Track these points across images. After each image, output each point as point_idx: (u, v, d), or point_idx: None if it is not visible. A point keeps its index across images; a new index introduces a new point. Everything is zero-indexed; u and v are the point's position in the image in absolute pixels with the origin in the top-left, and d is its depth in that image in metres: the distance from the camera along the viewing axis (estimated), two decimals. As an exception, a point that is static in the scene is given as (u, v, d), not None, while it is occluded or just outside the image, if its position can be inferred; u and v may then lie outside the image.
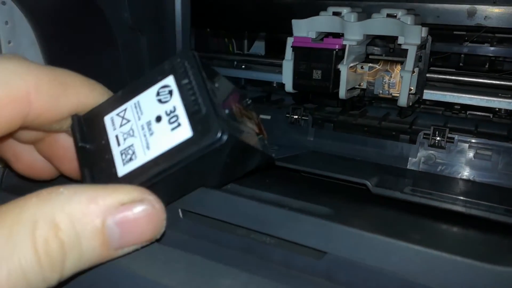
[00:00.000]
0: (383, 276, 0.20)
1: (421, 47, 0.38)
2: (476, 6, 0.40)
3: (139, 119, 0.21)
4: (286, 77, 0.40)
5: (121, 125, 0.22)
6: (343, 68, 0.37)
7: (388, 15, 0.37)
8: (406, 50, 0.36)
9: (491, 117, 0.40)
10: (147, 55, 0.42)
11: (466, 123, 0.40)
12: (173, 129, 0.20)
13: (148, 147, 0.20)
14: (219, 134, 0.19)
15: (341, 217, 0.22)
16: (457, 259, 0.19)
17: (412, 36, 0.35)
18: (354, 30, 0.38)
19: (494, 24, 0.40)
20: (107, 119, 0.22)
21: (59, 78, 0.22)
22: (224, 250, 0.22)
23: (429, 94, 0.41)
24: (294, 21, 0.39)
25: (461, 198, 0.28)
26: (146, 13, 0.40)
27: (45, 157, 0.27)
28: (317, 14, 0.40)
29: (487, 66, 0.45)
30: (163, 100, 0.21)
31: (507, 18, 0.39)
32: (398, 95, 0.38)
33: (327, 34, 0.40)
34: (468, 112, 0.41)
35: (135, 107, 0.22)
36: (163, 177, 0.20)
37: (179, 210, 0.24)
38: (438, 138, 0.35)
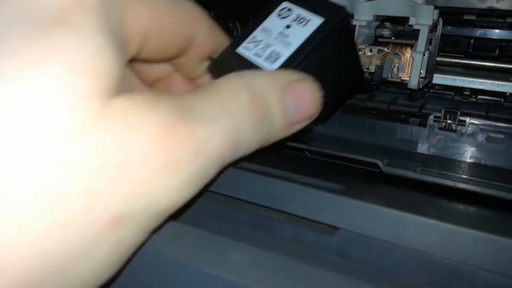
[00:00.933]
0: (398, 252, 0.20)
1: (432, 29, 0.37)
2: (489, -12, 0.39)
3: (271, 35, 0.24)
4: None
5: (256, 46, 0.24)
6: (352, 50, 0.36)
7: (399, -4, 0.37)
8: (417, 32, 0.36)
9: (502, 101, 0.39)
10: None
11: (477, 107, 0.39)
12: (304, 25, 0.23)
13: (288, 45, 0.23)
14: (344, 11, 0.23)
15: (354, 193, 0.22)
16: (477, 233, 0.18)
17: (424, 16, 0.35)
18: (364, 10, 0.37)
19: (507, 6, 0.39)
20: (240, 49, 0.25)
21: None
22: (232, 226, 0.22)
23: (439, 78, 0.40)
24: (302, 1, 0.38)
25: (475, 179, 0.27)
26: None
27: None
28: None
29: (497, 52, 0.44)
30: (285, 15, 0.24)
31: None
32: (407, 79, 0.37)
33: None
34: (478, 96, 0.40)
35: (262, 30, 0.25)
36: (309, 60, 0.23)
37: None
38: (449, 121, 0.34)
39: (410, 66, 0.37)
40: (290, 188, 0.21)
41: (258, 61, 0.24)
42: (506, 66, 0.40)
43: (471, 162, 0.33)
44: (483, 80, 0.39)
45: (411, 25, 0.36)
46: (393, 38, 0.39)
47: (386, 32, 0.39)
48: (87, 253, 0.14)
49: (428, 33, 0.36)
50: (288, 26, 0.24)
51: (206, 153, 0.17)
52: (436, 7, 0.38)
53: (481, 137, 0.34)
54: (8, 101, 0.13)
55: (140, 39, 0.19)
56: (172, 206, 0.17)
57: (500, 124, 0.33)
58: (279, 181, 0.22)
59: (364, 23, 0.36)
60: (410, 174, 0.26)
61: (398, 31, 0.39)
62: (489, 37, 0.42)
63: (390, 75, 0.39)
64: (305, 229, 0.21)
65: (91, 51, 0.14)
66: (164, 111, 0.16)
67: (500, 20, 0.43)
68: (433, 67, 0.39)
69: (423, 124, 0.35)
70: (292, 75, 0.22)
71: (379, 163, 0.27)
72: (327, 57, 0.24)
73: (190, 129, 0.16)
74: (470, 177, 0.27)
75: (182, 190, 0.16)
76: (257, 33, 0.25)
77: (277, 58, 0.23)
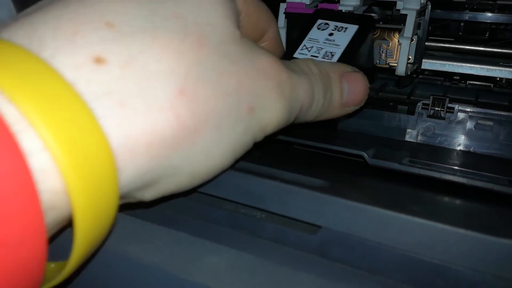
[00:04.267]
0: (381, 250, 0.19)
1: (420, 13, 0.36)
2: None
3: (318, 42, 0.30)
4: (279, 45, 0.38)
5: (309, 51, 0.30)
6: (339, 36, 0.35)
7: (386, -21, 0.35)
8: (405, 16, 0.34)
9: (492, 86, 0.38)
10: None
11: (466, 93, 0.39)
12: (344, 31, 0.30)
13: (337, 46, 0.29)
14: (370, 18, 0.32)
15: (337, 190, 0.21)
16: (460, 231, 0.18)
17: (411, 1, 0.34)
18: (351, -4, 0.36)
19: (497, -12, 0.38)
20: (297, 54, 0.30)
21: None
22: (211, 226, 0.21)
23: (428, 64, 0.39)
24: (287, -14, 0.37)
25: (462, 169, 0.27)
26: None
27: None
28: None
29: (487, 35, 0.44)
30: (324, 28, 0.31)
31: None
32: (395, 64, 0.36)
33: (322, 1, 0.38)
34: (468, 82, 0.39)
35: (309, 40, 0.31)
36: (357, 55, 0.29)
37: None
38: (437, 108, 0.34)
39: (398, 52, 0.36)
40: (271, 186, 0.21)
41: (317, 60, 0.27)
42: (496, 50, 0.39)
43: (460, 150, 0.33)
44: (472, 65, 0.38)
45: (399, 10, 0.35)
46: (381, 23, 0.38)
47: (373, 17, 0.38)
48: (230, 126, 0.19)
49: (416, 18, 0.35)
50: (331, 34, 0.30)
51: (296, 92, 0.22)
52: (424, -10, 0.37)
53: (470, 124, 0.33)
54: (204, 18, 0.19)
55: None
56: (272, 123, 0.21)
57: (489, 111, 0.32)
58: (260, 179, 0.21)
59: (351, 8, 0.35)
60: (396, 166, 0.26)
61: (386, 15, 0.38)
62: (479, 20, 0.41)
63: (378, 61, 0.38)
64: (286, 228, 0.21)
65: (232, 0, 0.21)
66: (272, 54, 0.21)
67: (490, 2, 0.42)
68: (422, 52, 0.38)
69: (411, 111, 0.35)
70: (347, 67, 0.26)
71: (365, 155, 0.27)
72: (366, 53, 0.31)
73: (288, 73, 0.21)
74: (458, 167, 0.27)
75: (281, 111, 0.21)
76: (306, 43, 0.31)
77: (332, 56, 0.29)
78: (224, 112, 0.18)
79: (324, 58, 0.29)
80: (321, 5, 0.36)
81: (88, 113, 0.14)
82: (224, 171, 0.20)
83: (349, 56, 0.29)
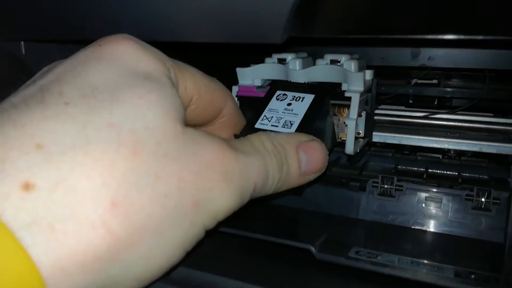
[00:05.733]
0: None
1: (368, 90, 0.37)
2: (420, 48, 0.40)
3: (278, 112, 0.32)
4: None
5: (269, 121, 0.32)
6: (289, 117, 0.36)
7: (332, 61, 0.37)
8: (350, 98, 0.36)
9: (441, 158, 0.40)
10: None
11: (417, 164, 0.39)
12: (301, 101, 0.32)
13: (295, 115, 0.31)
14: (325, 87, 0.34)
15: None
16: None
17: (355, 83, 0.35)
18: (299, 77, 0.37)
19: (438, 64, 0.40)
20: (258, 125, 0.32)
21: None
22: None
23: (378, 137, 0.41)
24: (238, 70, 0.38)
25: (409, 258, 0.27)
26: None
27: None
28: (262, 60, 0.39)
29: (436, 102, 0.45)
30: (283, 98, 0.33)
31: (449, 58, 0.39)
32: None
33: (274, 82, 0.39)
34: (418, 153, 0.40)
35: (269, 110, 0.33)
36: (315, 122, 0.31)
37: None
38: (386, 186, 0.34)
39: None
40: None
41: (277, 129, 0.31)
42: (443, 123, 0.40)
43: (413, 229, 0.33)
44: (420, 137, 0.39)
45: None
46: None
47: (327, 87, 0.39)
48: (172, 227, 0.19)
49: (363, 95, 0.36)
50: (289, 104, 0.33)
51: (247, 174, 0.22)
52: (370, 67, 0.38)
53: (419, 202, 0.34)
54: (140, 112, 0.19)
55: (187, 103, 0.25)
56: (222, 210, 0.21)
57: (436, 189, 0.33)
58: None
59: (299, 90, 0.36)
60: (342, 260, 0.26)
61: (336, 93, 0.39)
62: (424, 94, 0.42)
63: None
64: None
65: (173, 95, 0.21)
66: (219, 140, 0.22)
67: (437, 71, 0.44)
68: (372, 126, 0.39)
69: (363, 188, 0.35)
70: (304, 136, 0.28)
71: (312, 249, 0.27)
72: (324, 120, 0.33)
73: (236, 156, 0.22)
74: (404, 257, 0.27)
75: (231, 198, 0.21)
76: (266, 113, 0.33)
77: (291, 124, 0.31)
78: (163, 216, 0.18)
79: (284, 127, 0.31)
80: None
81: (15, 243, 0.15)
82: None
83: (307, 124, 0.30)
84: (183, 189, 0.19)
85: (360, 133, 0.37)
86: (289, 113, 0.32)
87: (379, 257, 0.27)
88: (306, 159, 0.26)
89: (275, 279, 0.23)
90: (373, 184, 0.35)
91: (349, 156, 0.39)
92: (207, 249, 0.28)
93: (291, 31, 0.26)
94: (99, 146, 0.17)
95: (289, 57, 0.38)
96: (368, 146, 0.40)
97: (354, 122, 0.34)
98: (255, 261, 0.27)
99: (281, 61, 0.39)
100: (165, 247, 0.19)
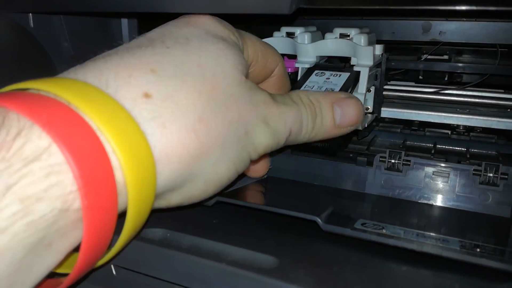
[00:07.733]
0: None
1: (377, 65, 0.37)
2: (430, 21, 0.39)
3: (318, 83, 0.35)
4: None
5: (312, 88, 0.34)
6: (297, 91, 0.36)
7: (341, 35, 0.36)
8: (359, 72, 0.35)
9: (450, 133, 0.39)
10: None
11: (425, 140, 0.39)
12: (339, 76, 0.35)
13: (335, 85, 0.34)
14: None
15: (284, 269, 0.21)
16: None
17: (364, 58, 0.34)
18: (307, 52, 0.37)
19: (449, 38, 0.39)
20: (303, 89, 0.34)
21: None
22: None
23: (387, 112, 0.40)
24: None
25: (414, 231, 0.27)
26: (88, 40, 0.39)
27: None
28: (271, 34, 0.39)
29: (446, 78, 0.45)
30: (321, 75, 0.36)
31: (461, 32, 0.38)
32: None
33: (282, 55, 0.38)
34: (426, 129, 0.40)
35: (310, 82, 0.35)
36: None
37: (112, 267, 0.22)
38: (393, 161, 0.34)
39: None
40: (217, 270, 0.21)
41: None
42: (453, 99, 0.40)
43: (418, 202, 0.33)
44: (430, 113, 0.39)
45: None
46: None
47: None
48: (231, 146, 0.24)
49: (372, 70, 0.36)
50: (328, 78, 0.35)
51: (284, 120, 0.27)
52: (380, 42, 0.38)
53: (427, 177, 0.34)
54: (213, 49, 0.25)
55: (248, 64, 0.30)
56: (261, 144, 0.26)
57: (444, 164, 0.33)
58: (206, 262, 0.21)
59: (307, 65, 0.36)
60: (347, 231, 0.26)
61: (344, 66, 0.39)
62: (434, 69, 0.42)
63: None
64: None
65: (240, 55, 0.26)
66: (266, 93, 0.27)
67: (447, 46, 0.43)
68: (380, 101, 0.39)
69: (370, 163, 0.35)
70: (342, 94, 0.31)
71: (318, 220, 0.27)
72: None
73: (277, 105, 0.27)
74: (411, 229, 0.27)
75: (268, 136, 0.26)
76: (307, 83, 0.35)
77: (332, 90, 0.33)
78: (228, 135, 0.24)
79: (326, 90, 0.34)
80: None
81: (140, 132, 0.20)
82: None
83: (346, 90, 0.33)
84: (240, 120, 0.25)
85: (368, 108, 0.37)
86: (329, 83, 0.35)
87: (384, 230, 0.27)
88: (341, 112, 0.29)
89: (282, 249, 0.24)
90: (381, 158, 0.35)
91: (357, 131, 0.39)
92: (216, 220, 0.29)
93: (300, 1, 0.26)
94: (191, 78, 0.23)
95: (297, 31, 0.38)
96: (376, 122, 0.40)
97: (363, 96, 0.34)
98: (261, 232, 0.28)
99: (290, 35, 0.38)
100: (226, 160, 0.25)
